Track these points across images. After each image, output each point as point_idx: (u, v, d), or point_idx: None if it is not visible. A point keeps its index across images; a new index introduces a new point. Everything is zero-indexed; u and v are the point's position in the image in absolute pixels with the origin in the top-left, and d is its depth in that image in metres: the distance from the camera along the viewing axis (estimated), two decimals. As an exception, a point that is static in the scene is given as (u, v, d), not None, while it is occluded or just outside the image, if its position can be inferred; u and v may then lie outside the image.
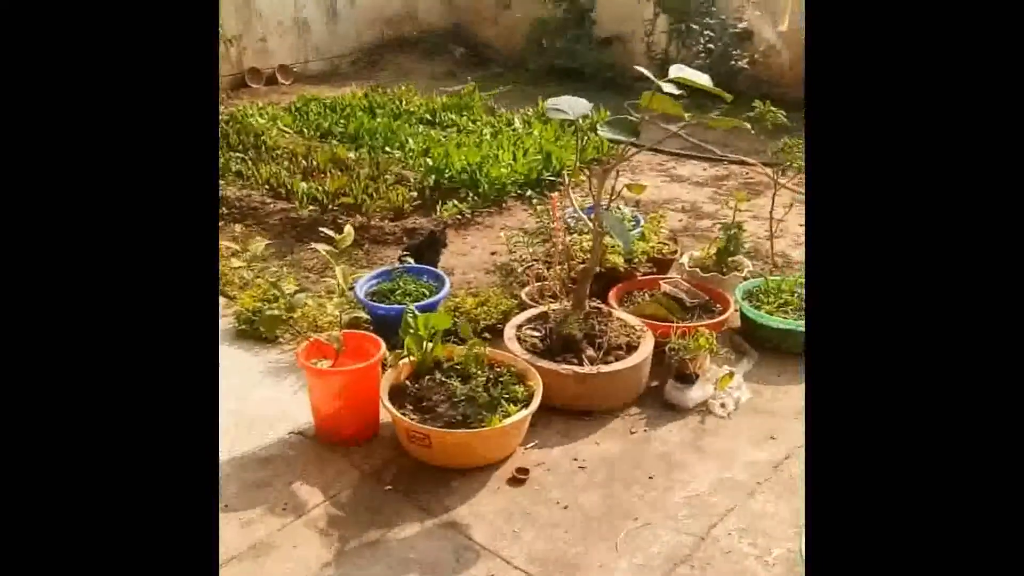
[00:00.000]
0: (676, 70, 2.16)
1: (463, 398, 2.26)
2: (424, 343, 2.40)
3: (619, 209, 3.34)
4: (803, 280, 3.08)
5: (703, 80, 2.14)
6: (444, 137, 5.00)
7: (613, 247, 2.98)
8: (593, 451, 2.32)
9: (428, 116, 5.56)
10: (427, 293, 2.94)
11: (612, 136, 2.28)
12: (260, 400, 2.56)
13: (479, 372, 2.35)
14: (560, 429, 2.41)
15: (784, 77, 6.16)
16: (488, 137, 4.95)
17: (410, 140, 4.89)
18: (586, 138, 4.67)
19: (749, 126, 2.37)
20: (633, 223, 3.33)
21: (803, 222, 4.08)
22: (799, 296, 2.94)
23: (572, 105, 2.36)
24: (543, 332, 2.57)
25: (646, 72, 2.24)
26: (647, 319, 2.72)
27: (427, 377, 2.37)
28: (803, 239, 3.90)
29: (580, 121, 2.33)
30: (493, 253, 3.71)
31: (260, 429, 2.41)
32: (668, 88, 2.11)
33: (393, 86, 6.41)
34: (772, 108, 2.91)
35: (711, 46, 6.10)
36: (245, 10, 6.81)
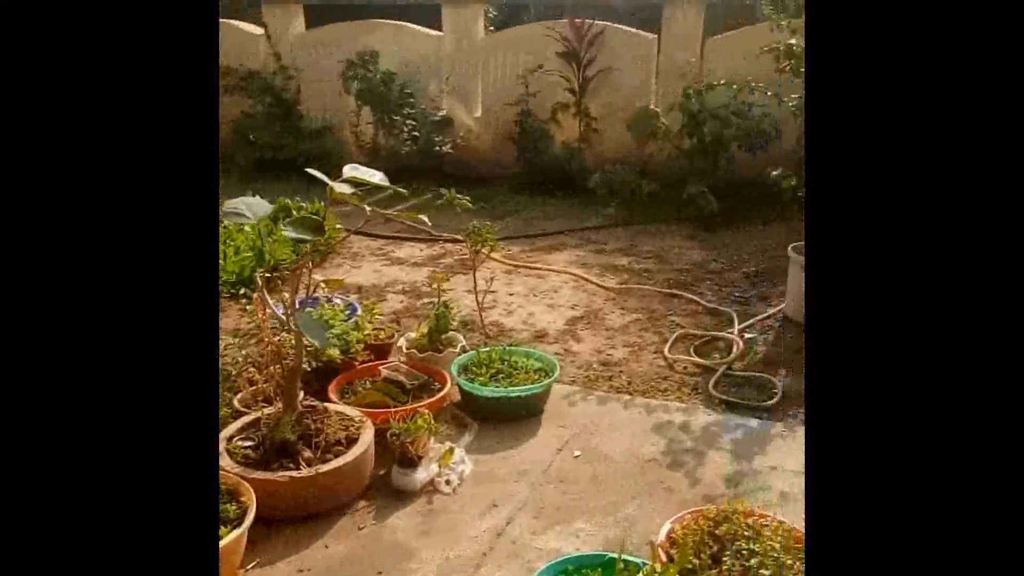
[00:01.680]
0: (349, 169, 2.27)
1: (168, 529, 2.07)
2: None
3: (329, 300, 3.35)
4: (511, 348, 3.31)
5: (376, 178, 2.27)
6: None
7: (330, 340, 2.97)
8: (321, 557, 2.24)
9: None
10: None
11: (295, 236, 2.30)
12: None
13: (186, 496, 2.18)
14: (285, 539, 2.30)
15: (484, 158, 6.69)
16: (195, 237, 4.70)
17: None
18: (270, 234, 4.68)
19: (426, 219, 2.53)
20: (348, 312, 3.35)
21: (512, 291, 4.41)
22: (508, 364, 3.15)
23: (252, 207, 2.34)
24: (256, 440, 2.46)
25: (317, 174, 2.29)
26: (368, 407, 2.73)
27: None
28: (513, 307, 4.20)
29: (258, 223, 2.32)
30: (206, 360, 3.50)
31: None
32: (340, 187, 2.20)
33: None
34: (457, 195, 3.13)
35: (416, 134, 6.45)
36: None
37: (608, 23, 6.30)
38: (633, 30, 6.33)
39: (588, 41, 6.25)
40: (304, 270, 2.47)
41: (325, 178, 2.24)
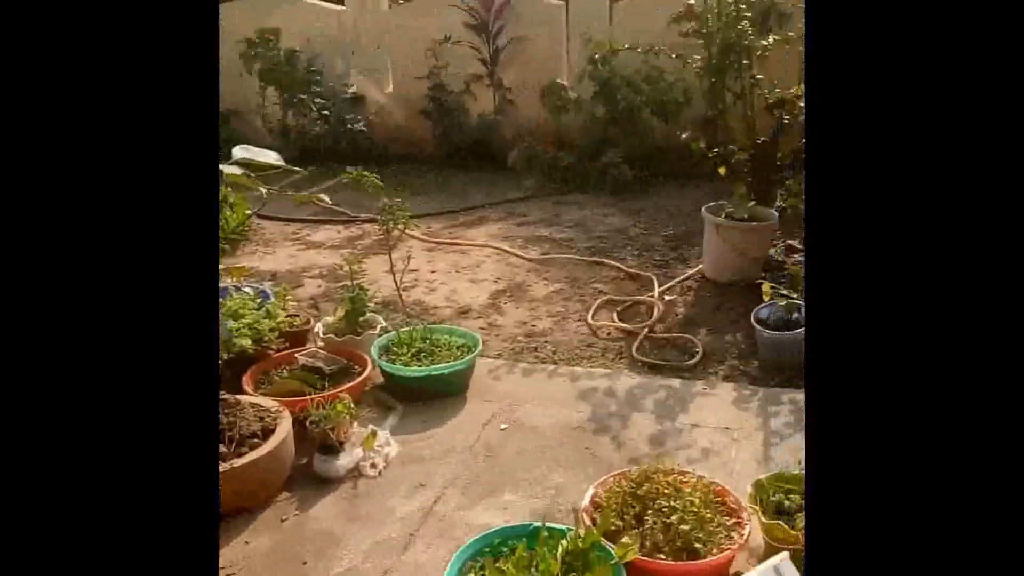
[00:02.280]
0: (240, 151, 2.17)
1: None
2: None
3: (237, 288, 3.23)
4: (432, 326, 3.26)
5: (269, 158, 2.18)
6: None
7: (238, 330, 2.86)
8: (242, 553, 2.17)
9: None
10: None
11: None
12: None
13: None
14: (203, 539, 2.21)
15: (399, 134, 6.56)
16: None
17: None
18: None
19: (327, 199, 2.45)
20: (260, 300, 3.23)
21: (435, 268, 4.35)
22: (431, 342, 3.10)
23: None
24: (167, 439, 2.35)
25: None
26: (285, 396, 2.65)
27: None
28: (436, 284, 4.15)
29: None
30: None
31: None
32: (230, 169, 2.12)
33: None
34: (365, 173, 3.05)
35: (326, 113, 6.26)
36: None
37: (517, -9, 6.23)
38: (542, -2, 6.29)
39: (496, 10, 6.16)
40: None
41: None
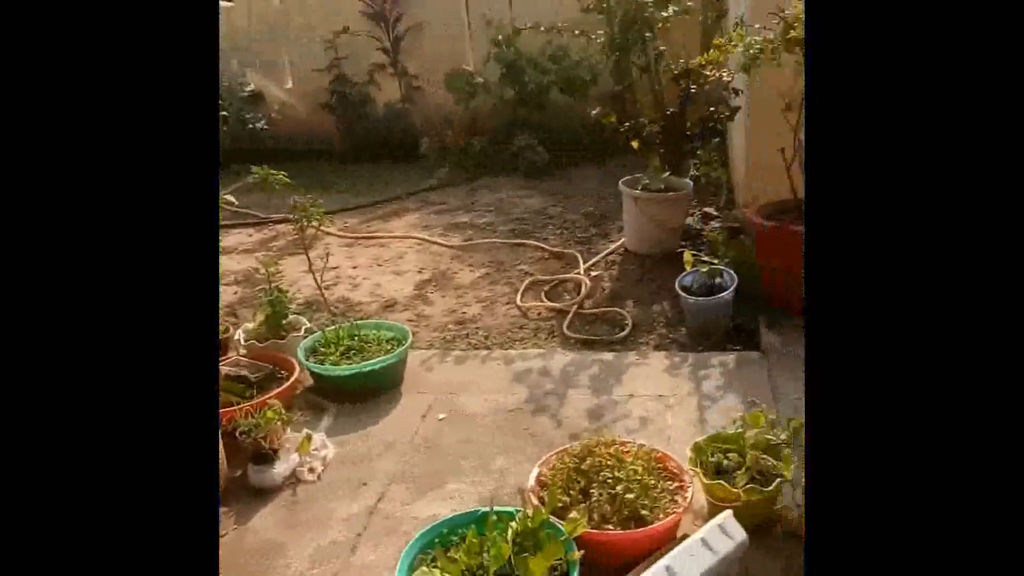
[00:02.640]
0: None
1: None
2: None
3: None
4: (359, 322, 3.19)
5: None
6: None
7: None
8: None
9: None
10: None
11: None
12: None
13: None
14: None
15: (304, 130, 6.37)
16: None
17: None
18: None
19: (233, 199, 2.35)
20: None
21: (356, 264, 4.26)
22: (359, 339, 3.03)
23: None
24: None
25: None
26: (212, 409, 2.54)
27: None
28: (359, 279, 4.06)
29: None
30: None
31: None
32: None
33: None
34: (272, 171, 2.94)
35: (224, 113, 6.02)
36: None
37: (410, -23, 6.13)
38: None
39: (393, -3, 6.06)
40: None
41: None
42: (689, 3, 4.56)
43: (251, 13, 6.23)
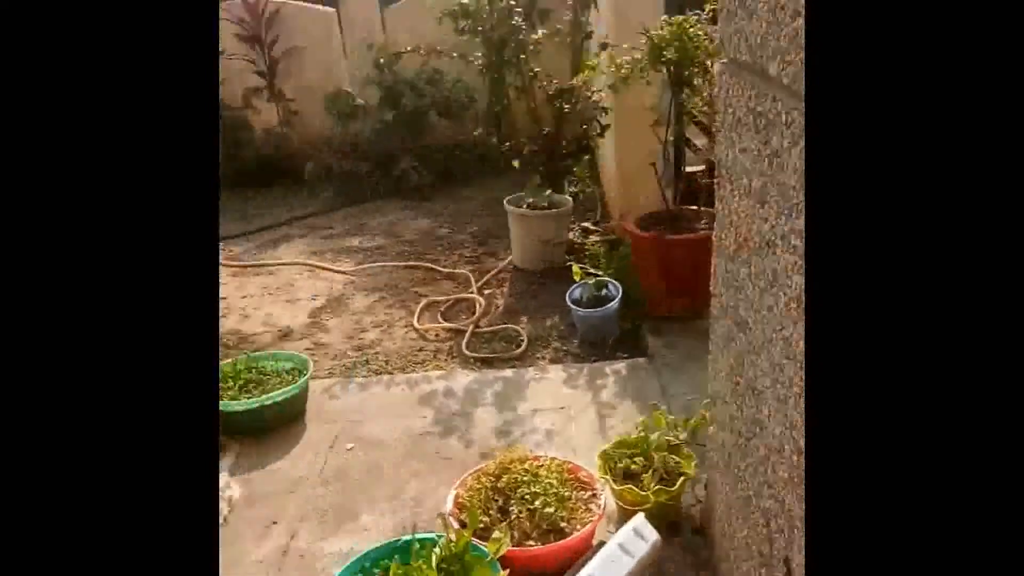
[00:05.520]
0: None
1: None
2: None
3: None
4: (255, 354, 3.11)
5: None
6: None
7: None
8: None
9: None
10: None
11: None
12: None
13: None
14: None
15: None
16: None
17: None
18: None
19: None
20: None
21: (245, 293, 4.13)
22: (257, 371, 2.96)
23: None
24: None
25: None
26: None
27: None
28: (249, 310, 3.95)
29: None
30: None
31: None
32: None
33: None
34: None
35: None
36: None
37: (283, 0, 6.03)
38: (310, 5, 6.14)
39: (267, 21, 5.93)
40: None
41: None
42: (558, 26, 4.76)
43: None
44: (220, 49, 5.87)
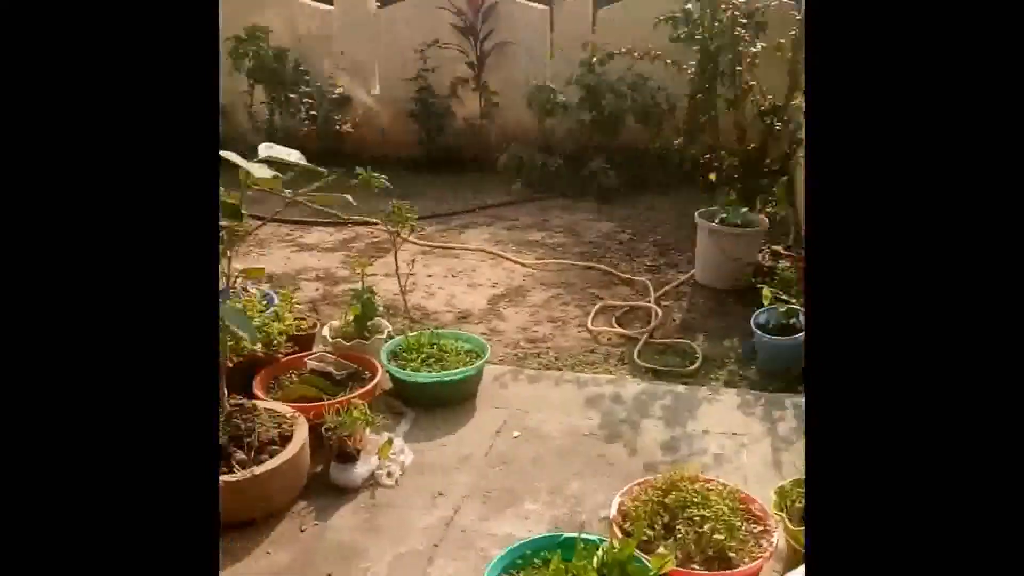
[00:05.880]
0: (264, 149, 2.15)
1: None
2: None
3: (245, 291, 3.18)
4: (439, 331, 3.25)
5: (293, 157, 2.16)
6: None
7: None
8: (264, 565, 2.14)
9: None
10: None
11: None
12: None
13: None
14: (223, 548, 2.16)
15: (385, 137, 6.50)
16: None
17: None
18: None
19: (351, 199, 2.43)
20: (265, 302, 3.19)
21: (431, 272, 4.33)
22: (439, 347, 3.09)
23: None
24: (183, 448, 2.31)
25: (234, 158, 2.18)
26: (298, 402, 2.62)
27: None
28: (434, 288, 4.13)
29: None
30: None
31: None
32: (260, 170, 2.08)
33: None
34: (374, 174, 3.04)
35: (314, 113, 6.19)
36: None
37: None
38: (527, 2, 6.29)
39: (484, 14, 6.16)
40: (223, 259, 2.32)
41: (242, 161, 2.10)
42: (781, 40, 4.55)
43: (347, 17, 6.40)
44: (435, 39, 6.19)
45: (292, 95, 6.16)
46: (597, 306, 3.89)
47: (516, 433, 2.77)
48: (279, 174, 2.10)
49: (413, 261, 4.03)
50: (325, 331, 3.19)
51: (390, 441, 2.55)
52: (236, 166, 2.08)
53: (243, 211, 2.09)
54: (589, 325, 3.70)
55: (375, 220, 4.36)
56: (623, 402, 3.00)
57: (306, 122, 6.16)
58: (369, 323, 3.17)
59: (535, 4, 6.28)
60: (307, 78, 6.30)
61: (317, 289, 4.12)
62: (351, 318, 3.16)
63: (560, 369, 3.30)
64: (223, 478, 2.19)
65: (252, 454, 2.29)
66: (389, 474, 2.49)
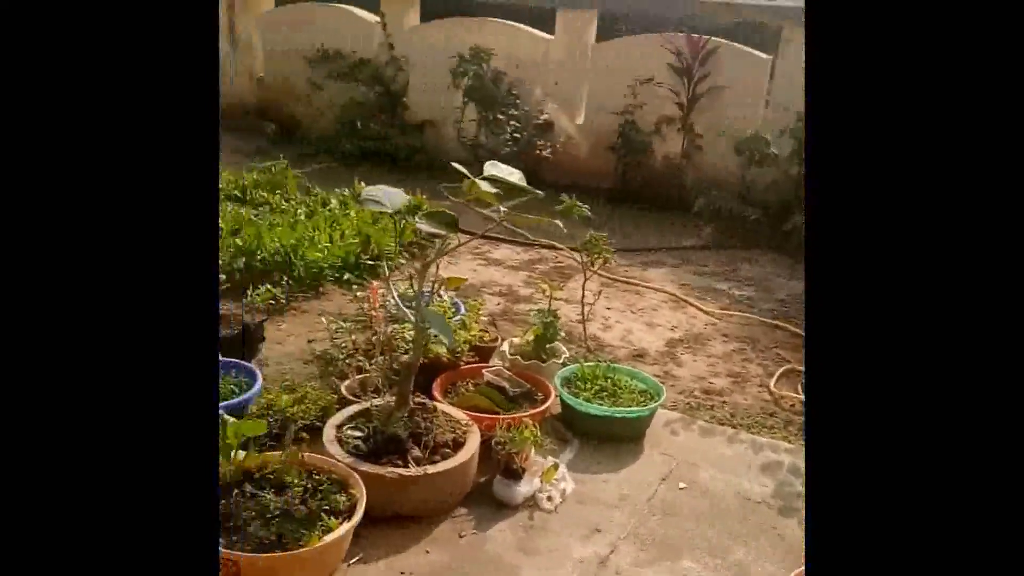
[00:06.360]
0: (490, 167, 2.23)
1: (277, 513, 2.06)
2: (233, 452, 2.19)
3: (439, 296, 3.32)
4: (615, 366, 3.21)
5: (515, 178, 2.22)
6: (255, 216, 4.76)
7: (435, 337, 2.93)
8: (421, 562, 2.20)
9: (237, 193, 5.28)
10: (236, 391, 2.71)
11: (431, 229, 2.28)
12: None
13: (295, 482, 2.17)
14: (385, 539, 2.27)
15: (582, 166, 6.59)
16: (303, 217, 4.78)
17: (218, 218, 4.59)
18: (403, 223, 4.69)
19: (561, 223, 2.47)
20: (453, 310, 3.31)
21: (610, 306, 4.31)
22: (612, 382, 3.06)
23: (389, 196, 2.34)
24: (365, 432, 2.44)
25: (462, 169, 2.29)
26: (472, 411, 2.69)
27: (235, 491, 2.15)
28: (611, 321, 4.11)
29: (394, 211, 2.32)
30: (311, 341, 3.52)
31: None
32: (484, 185, 2.17)
33: (194, 160, 6.03)
34: (577, 203, 3.07)
35: (517, 135, 6.41)
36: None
37: (723, 40, 6.14)
38: (748, 49, 6.15)
39: (702, 57, 6.10)
40: (426, 265, 2.44)
41: (467, 173, 2.21)
42: None
43: (565, 48, 6.59)
44: (650, 76, 6.21)
45: (501, 116, 6.41)
46: (783, 368, 3.68)
47: (682, 484, 2.67)
48: (499, 191, 2.18)
49: (599, 292, 4.03)
50: (505, 346, 3.25)
51: (556, 466, 2.54)
52: (461, 176, 2.19)
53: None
54: (772, 386, 3.51)
55: (561, 246, 4.41)
56: (802, 475, 2.80)
57: (509, 143, 6.38)
58: (548, 346, 3.20)
59: (758, 52, 6.14)
60: (517, 101, 6.53)
61: (498, 304, 4.23)
62: (531, 338, 3.20)
63: (736, 427, 3.15)
64: (398, 471, 2.28)
65: (427, 453, 2.37)
66: (549, 498, 2.49)
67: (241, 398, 2.63)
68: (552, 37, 6.66)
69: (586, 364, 3.13)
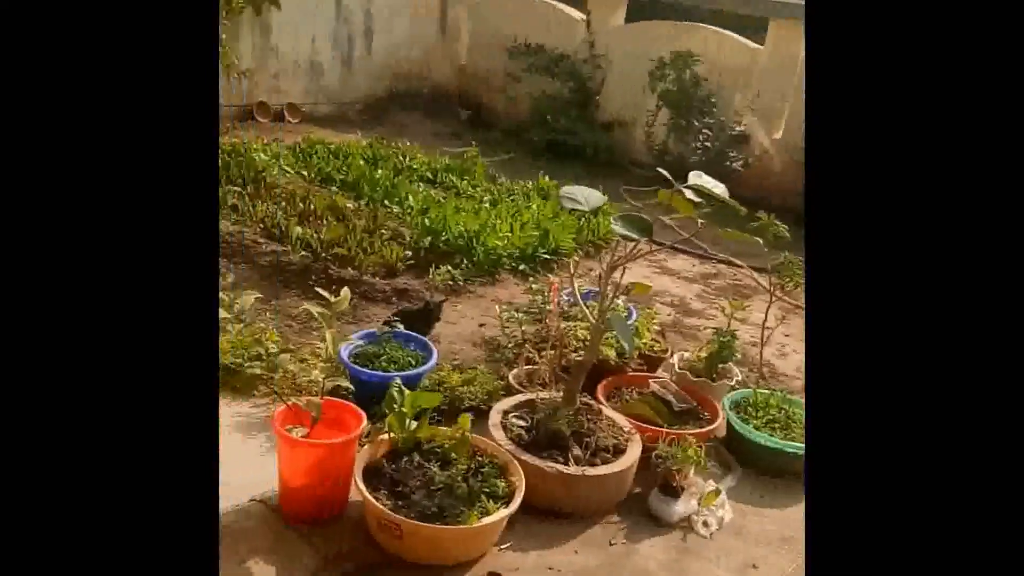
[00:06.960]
0: (695, 177, 2.18)
1: (441, 487, 2.15)
2: (407, 421, 2.30)
3: (615, 300, 3.30)
4: (790, 396, 3.05)
5: (719, 191, 2.15)
6: (443, 198, 4.97)
7: (607, 339, 2.92)
8: (570, 561, 2.20)
9: (429, 175, 5.54)
10: (413, 363, 2.85)
11: (625, 233, 2.26)
12: (223, 457, 2.41)
13: (460, 460, 2.25)
14: (537, 531, 2.29)
15: (774, 183, 6.29)
16: (487, 205, 4.93)
17: (410, 197, 4.85)
18: (588, 223, 4.70)
19: (761, 241, 2.37)
20: (626, 315, 3.28)
21: (788, 332, 4.09)
22: (786, 414, 2.90)
23: (587, 197, 2.35)
24: (529, 422, 2.48)
25: (665, 173, 2.25)
26: (634, 419, 2.65)
27: (405, 459, 2.26)
28: (788, 349, 3.90)
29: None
30: (482, 325, 3.63)
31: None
32: (689, 195, 2.12)
33: (397, 139, 6.40)
34: (775, 222, 2.93)
35: (708, 144, 6.22)
36: (262, 46, 6.85)
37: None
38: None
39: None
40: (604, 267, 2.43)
41: (671, 179, 2.17)
42: None
43: (773, 57, 6.30)
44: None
45: (694, 123, 6.25)
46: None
47: (851, 536, 2.48)
48: (702, 200, 2.13)
49: (783, 317, 3.83)
50: (675, 359, 3.18)
51: (717, 492, 2.45)
52: (649, 180, 2.16)
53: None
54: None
55: (741, 263, 4.22)
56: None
57: (699, 151, 6.22)
58: (720, 365, 3.09)
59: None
60: (714, 110, 6.34)
61: (669, 314, 4.14)
62: (704, 354, 3.11)
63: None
64: (558, 467, 2.30)
65: (587, 454, 2.37)
66: (706, 523, 2.40)
67: (417, 370, 2.76)
68: (760, 47, 6.40)
69: (759, 390, 2.99)
